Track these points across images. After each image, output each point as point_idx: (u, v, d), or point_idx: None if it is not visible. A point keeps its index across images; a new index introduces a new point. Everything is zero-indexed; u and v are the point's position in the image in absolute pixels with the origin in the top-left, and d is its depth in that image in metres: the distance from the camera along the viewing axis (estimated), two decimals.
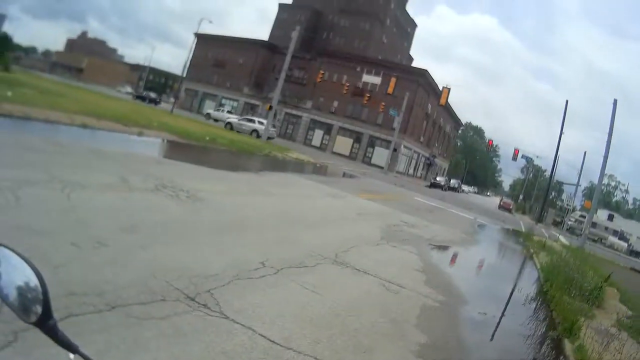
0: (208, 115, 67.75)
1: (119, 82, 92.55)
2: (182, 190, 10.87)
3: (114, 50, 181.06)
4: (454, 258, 15.25)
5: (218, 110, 73.84)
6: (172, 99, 77.92)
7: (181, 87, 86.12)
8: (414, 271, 10.82)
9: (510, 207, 73.15)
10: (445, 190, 66.69)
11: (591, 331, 8.86)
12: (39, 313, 1.10)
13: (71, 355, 1.11)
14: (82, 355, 1.11)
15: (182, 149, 21.36)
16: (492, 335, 8.40)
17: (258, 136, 46.89)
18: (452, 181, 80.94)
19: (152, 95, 79.88)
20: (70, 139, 15.10)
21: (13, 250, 1.17)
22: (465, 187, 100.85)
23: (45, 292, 1.10)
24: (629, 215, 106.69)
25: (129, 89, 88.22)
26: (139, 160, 14.15)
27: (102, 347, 3.81)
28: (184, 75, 77.71)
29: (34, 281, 1.11)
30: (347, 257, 9.86)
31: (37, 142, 12.40)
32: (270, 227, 10.65)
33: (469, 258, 16.31)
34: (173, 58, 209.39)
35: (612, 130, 32.51)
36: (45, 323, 1.09)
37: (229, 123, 51.76)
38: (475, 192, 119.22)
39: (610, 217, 79.53)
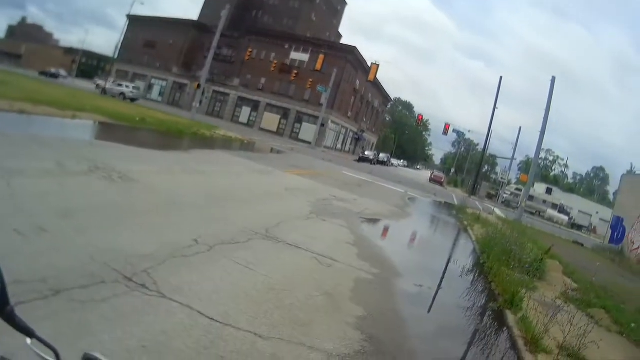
0: (98, 86, 68.31)
1: (54, 67, 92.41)
2: (115, 171, 10.96)
3: (50, 35, 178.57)
4: (385, 231, 15.53)
5: (113, 83, 74.71)
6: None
7: (112, 69, 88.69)
8: (346, 245, 11.00)
9: (442, 181, 74.93)
10: (374, 164, 67.77)
11: (534, 303, 9.10)
12: None
13: (28, 340, 1.15)
14: (39, 339, 1.16)
15: (113, 131, 21.73)
16: (430, 308, 8.64)
17: (125, 99, 54.09)
18: (381, 155, 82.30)
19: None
20: (8, 126, 15.06)
21: None
22: (394, 161, 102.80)
23: (1, 279, 1.14)
24: (570, 189, 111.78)
25: (63, 73, 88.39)
26: (74, 144, 14.32)
27: (50, 333, 3.73)
28: (116, 57, 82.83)
29: None
30: (278, 232, 10.05)
31: None
32: (201, 205, 10.79)
33: (401, 231, 16.68)
34: (107, 41, 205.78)
35: (550, 105, 33.74)
36: (4, 310, 1.13)
37: (101, 87, 59.81)
38: (405, 166, 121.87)
39: (549, 191, 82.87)
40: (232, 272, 7.05)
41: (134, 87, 60.94)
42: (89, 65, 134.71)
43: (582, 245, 31.75)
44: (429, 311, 8.45)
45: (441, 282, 10.48)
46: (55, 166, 10.03)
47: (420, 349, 6.53)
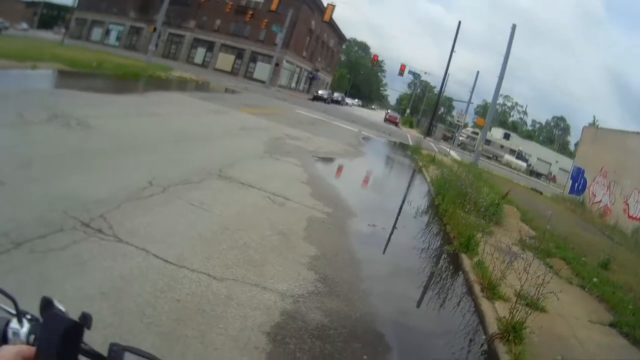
0: None
1: (16, 21, 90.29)
2: (73, 118, 10.74)
3: None
4: (339, 170, 15.53)
5: None
6: (62, 30, 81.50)
7: (72, 17, 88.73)
8: (299, 183, 10.97)
9: (397, 121, 75.18)
10: (329, 103, 67.45)
11: (491, 248, 9.05)
12: None
13: None
14: (1, 292, 1.15)
15: (72, 78, 21.59)
16: (384, 248, 8.67)
17: None
18: (336, 94, 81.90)
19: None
20: None
21: None
22: (349, 100, 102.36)
23: None
24: (528, 136, 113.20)
25: (25, 26, 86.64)
26: (32, 94, 13.81)
27: (14, 287, 3.88)
28: (75, 6, 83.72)
29: None
30: (231, 172, 10.05)
31: None
32: (155, 147, 10.71)
33: (354, 171, 16.68)
34: None
35: (509, 53, 33.76)
36: None
37: None
38: (359, 106, 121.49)
39: (507, 136, 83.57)
40: (186, 213, 7.07)
41: None
42: (50, 16, 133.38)
43: (541, 193, 32.16)
44: (383, 252, 8.47)
45: (395, 222, 10.51)
46: (14, 117, 9.71)
47: (375, 291, 6.52)
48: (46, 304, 1.17)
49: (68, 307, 1.16)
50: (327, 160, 16.22)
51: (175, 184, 8.17)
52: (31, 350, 1.06)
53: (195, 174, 9.11)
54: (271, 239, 7.08)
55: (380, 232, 9.39)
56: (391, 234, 9.59)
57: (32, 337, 1.14)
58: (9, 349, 1.03)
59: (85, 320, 1.14)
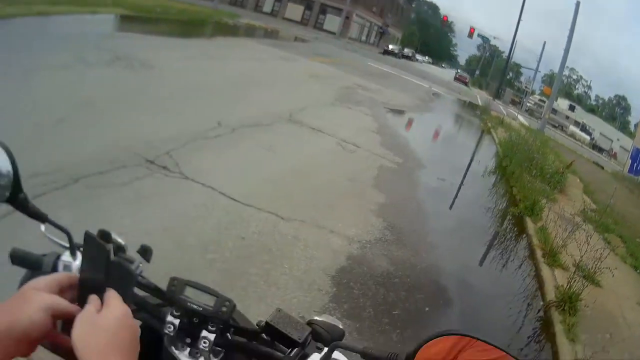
0: None
1: None
2: (136, 60, 10.45)
3: None
4: (409, 123, 15.17)
5: None
6: None
7: None
8: (370, 132, 10.71)
9: (467, 81, 73.34)
10: (399, 58, 66.28)
11: (554, 215, 8.77)
12: (10, 190, 1.08)
13: (42, 227, 1.10)
14: (52, 223, 1.10)
15: (135, 23, 20.98)
16: (452, 203, 8.43)
17: None
18: (406, 50, 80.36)
19: None
20: (28, 28, 14.18)
21: None
22: (419, 57, 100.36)
23: (14, 167, 1.06)
24: (591, 110, 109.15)
25: None
26: (94, 38, 13.24)
27: (69, 222, 3.69)
28: None
29: (2, 157, 1.06)
30: (302, 117, 9.81)
31: None
32: (224, 90, 10.47)
33: (425, 124, 16.32)
34: None
35: (573, 30, 32.19)
36: (16, 197, 1.07)
37: None
38: (429, 63, 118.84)
39: (572, 108, 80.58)
40: (254, 154, 6.94)
41: None
42: None
43: (602, 167, 31.04)
44: (450, 207, 8.25)
45: (463, 179, 10.23)
46: (75, 60, 9.44)
47: (441, 244, 6.33)
48: (102, 237, 1.05)
49: (127, 242, 1.05)
50: (398, 112, 15.82)
51: (244, 125, 7.99)
52: (71, 277, 0.95)
53: (265, 117, 8.92)
54: (341, 184, 6.92)
55: (448, 187, 9.14)
56: (459, 189, 9.32)
57: None
58: (45, 279, 0.92)
59: (144, 253, 1.08)
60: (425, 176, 9.17)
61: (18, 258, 1.10)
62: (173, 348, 1.07)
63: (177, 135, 6.51)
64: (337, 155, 8.22)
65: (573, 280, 5.81)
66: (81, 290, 0.93)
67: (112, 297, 0.89)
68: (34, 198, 0.98)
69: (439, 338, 0.82)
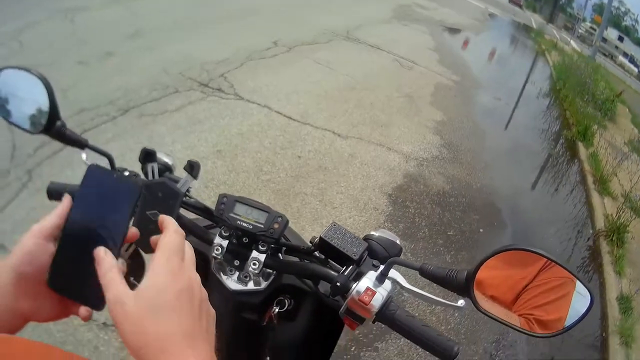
0: None
1: None
2: None
3: None
4: (465, 42, 14.26)
5: None
6: None
7: None
8: (427, 50, 10.05)
9: (521, 3, 70.24)
10: None
11: (604, 142, 8.22)
12: (47, 119, 0.97)
13: (83, 155, 0.99)
14: (92, 148, 1.00)
15: None
16: (507, 123, 7.90)
17: None
18: None
19: None
20: None
21: (14, 68, 0.94)
22: None
23: (51, 97, 0.93)
24: (638, 43, 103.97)
25: None
26: None
27: (117, 154, 3.54)
28: None
29: (39, 88, 0.93)
30: (359, 34, 9.32)
31: None
32: (278, 10, 9.78)
33: (480, 44, 15.32)
34: None
35: None
36: (53, 126, 0.96)
37: None
38: None
39: (621, 39, 76.77)
40: (311, 72, 6.55)
41: None
42: None
43: None
44: (506, 127, 7.73)
45: (518, 100, 9.59)
46: None
47: (496, 164, 5.92)
48: (146, 156, 1.04)
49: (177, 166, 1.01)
50: (454, 31, 14.86)
51: (301, 44, 7.58)
52: None
53: (321, 35, 8.46)
54: (398, 100, 6.48)
55: (504, 107, 8.57)
56: (514, 110, 8.73)
57: None
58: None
59: (191, 169, 0.98)
60: (482, 95, 8.58)
61: (56, 193, 1.02)
62: (221, 273, 0.98)
63: (232, 57, 6.17)
64: (394, 72, 7.74)
65: (622, 211, 5.41)
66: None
67: (169, 223, 0.61)
68: (81, 133, 0.88)
69: (503, 252, 0.74)
